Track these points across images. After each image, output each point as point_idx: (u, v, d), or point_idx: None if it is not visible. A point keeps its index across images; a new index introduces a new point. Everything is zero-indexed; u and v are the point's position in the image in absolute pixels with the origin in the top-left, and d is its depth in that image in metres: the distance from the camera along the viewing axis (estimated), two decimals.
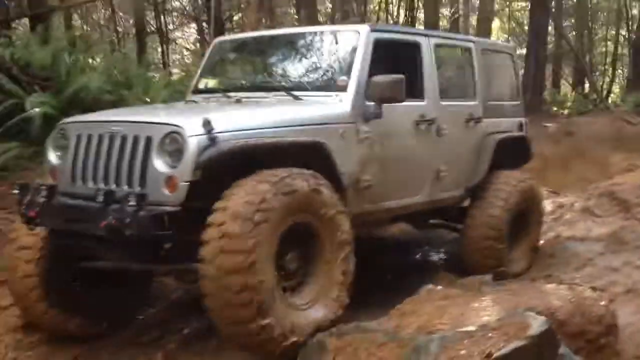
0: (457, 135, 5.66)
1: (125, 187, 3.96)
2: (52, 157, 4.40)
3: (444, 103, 5.52)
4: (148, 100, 9.21)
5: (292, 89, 4.89)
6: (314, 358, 3.70)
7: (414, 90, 5.23)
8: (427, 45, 5.39)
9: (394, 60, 5.30)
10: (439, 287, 4.25)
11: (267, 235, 3.68)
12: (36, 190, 4.13)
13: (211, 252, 3.61)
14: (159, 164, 3.87)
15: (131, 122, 4.10)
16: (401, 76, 4.65)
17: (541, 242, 6.54)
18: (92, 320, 4.58)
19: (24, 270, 4.36)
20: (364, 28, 4.96)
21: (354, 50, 4.85)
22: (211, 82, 5.41)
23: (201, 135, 3.81)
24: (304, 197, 3.91)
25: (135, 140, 3.98)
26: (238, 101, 4.56)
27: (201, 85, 5.47)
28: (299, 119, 4.37)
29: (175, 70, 17.59)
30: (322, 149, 4.28)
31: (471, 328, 3.34)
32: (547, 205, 7.40)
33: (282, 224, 3.81)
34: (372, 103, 4.71)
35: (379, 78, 4.63)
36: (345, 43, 5.00)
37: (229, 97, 5.06)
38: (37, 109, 7.96)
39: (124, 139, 4.03)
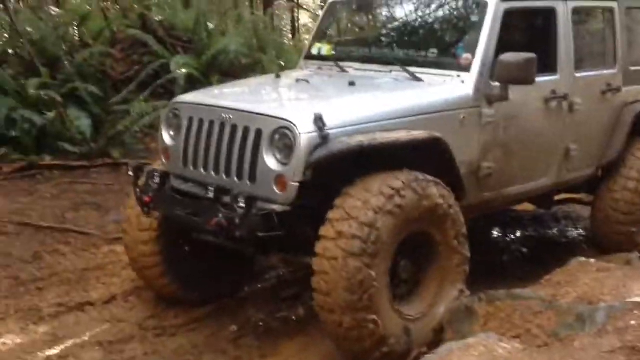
0: (592, 109, 5.14)
1: (236, 180, 3.85)
2: (166, 136, 4.33)
3: (579, 75, 5.01)
4: (282, 64, 9.46)
5: (409, 63, 4.54)
6: (463, 323, 3.65)
7: (546, 63, 4.75)
8: (564, 11, 4.84)
9: (525, 30, 4.83)
10: (592, 260, 4.06)
11: (386, 243, 3.52)
12: (150, 175, 4.11)
13: (329, 251, 3.50)
14: (269, 160, 3.71)
15: (241, 111, 3.94)
16: (533, 55, 4.20)
17: None
18: (208, 291, 4.60)
19: (143, 251, 4.40)
20: None
21: (481, 23, 4.40)
22: (325, 48, 5.12)
23: (313, 133, 3.61)
24: (427, 208, 3.72)
25: (246, 131, 3.83)
26: (352, 84, 4.28)
27: (314, 51, 5.19)
28: (417, 107, 4.05)
29: (305, 36, 17.32)
30: (440, 144, 3.97)
31: None
32: None
33: (402, 233, 3.64)
34: (498, 84, 4.31)
35: (508, 57, 4.19)
36: (471, 13, 4.56)
37: (341, 69, 4.79)
38: (181, 70, 8.34)
39: (234, 128, 3.89)
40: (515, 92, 4.38)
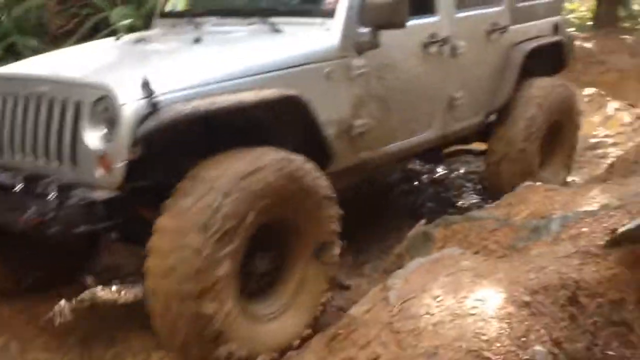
0: (477, 52, 4.71)
1: (56, 164, 3.21)
2: None
3: (460, 15, 4.55)
4: None
5: (270, 13, 3.95)
6: (421, 247, 3.64)
7: (423, 3, 4.25)
8: None
9: None
10: (538, 183, 4.07)
11: (229, 245, 2.91)
12: None
13: (157, 269, 2.89)
14: (90, 138, 3.06)
15: (57, 81, 3.26)
16: None
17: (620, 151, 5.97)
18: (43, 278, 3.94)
19: None
20: None
21: None
22: (180, 3, 4.46)
23: (138, 100, 2.98)
24: (279, 190, 3.10)
25: (64, 104, 3.16)
26: (197, 40, 3.64)
27: (169, 7, 4.52)
28: (271, 63, 3.45)
29: None
30: (297, 103, 3.41)
31: (593, 208, 3.29)
32: (626, 116, 7.39)
33: (250, 227, 3.02)
34: (367, 29, 3.77)
35: None
36: None
37: (195, 25, 4.14)
38: (123, 22, 7.60)
39: (51, 102, 3.21)
40: (389, 38, 3.86)
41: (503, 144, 4.95)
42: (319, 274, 3.38)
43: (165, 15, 4.50)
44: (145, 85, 2.98)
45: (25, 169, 3.31)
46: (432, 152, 4.93)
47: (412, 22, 3.93)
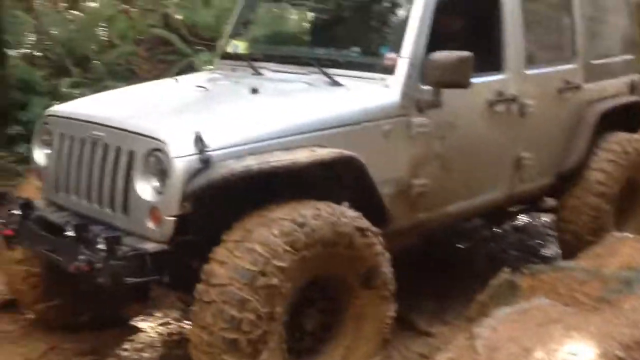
0: (547, 111, 4.52)
1: (108, 210, 3.22)
2: (38, 155, 3.68)
3: (530, 72, 4.38)
4: None
5: (330, 64, 3.89)
6: (506, 296, 3.59)
7: (490, 61, 4.12)
8: None
9: (463, 23, 4.19)
10: (626, 234, 4.06)
11: (275, 299, 2.87)
12: (12, 204, 3.46)
13: (201, 320, 2.87)
14: (142, 189, 3.07)
15: (112, 127, 3.29)
16: (468, 54, 3.57)
17: None
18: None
19: (19, 272, 3.81)
20: None
21: (408, 15, 3.76)
22: (241, 46, 4.47)
23: (190, 155, 2.96)
24: (330, 248, 3.04)
25: (118, 152, 3.19)
26: (254, 91, 3.63)
27: (230, 49, 4.53)
28: (328, 119, 3.40)
29: None
30: (353, 163, 3.33)
31: None
32: None
33: (298, 282, 2.98)
34: (429, 87, 3.68)
35: (438, 56, 3.56)
36: (398, 4, 3.92)
37: (255, 70, 4.13)
38: (206, 67, 7.97)
39: (106, 148, 3.25)
40: (452, 96, 3.75)
41: (574, 201, 4.71)
42: (375, 302, 3.29)
43: (226, 57, 4.51)
44: (198, 140, 2.96)
45: (78, 211, 3.35)
46: (498, 213, 4.74)
47: (477, 80, 3.82)
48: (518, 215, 5.36)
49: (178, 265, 3.11)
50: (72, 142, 3.42)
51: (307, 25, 4.51)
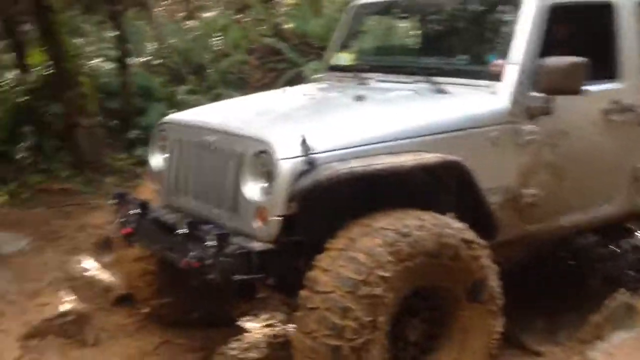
0: None
1: (217, 211, 3.33)
2: (154, 160, 3.88)
3: None
4: None
5: (436, 72, 3.88)
6: (623, 320, 3.52)
7: (604, 68, 3.95)
8: (626, 5, 4.02)
9: (577, 30, 4.05)
10: None
11: (378, 308, 2.88)
12: (131, 205, 3.65)
13: (304, 325, 2.92)
14: (249, 189, 3.17)
15: (224, 132, 3.41)
16: (581, 59, 3.46)
17: None
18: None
19: (136, 270, 4.01)
20: None
21: (517, 21, 3.68)
22: (346, 58, 4.53)
23: (296, 157, 3.03)
24: (434, 259, 3.02)
25: (228, 155, 3.30)
26: (360, 98, 3.67)
27: (336, 61, 4.60)
28: (434, 125, 3.38)
29: None
30: (459, 169, 3.28)
31: None
32: None
33: (401, 292, 2.98)
34: (540, 94, 3.58)
35: (549, 62, 3.47)
36: (507, 11, 3.83)
37: (361, 80, 4.18)
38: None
39: (217, 151, 3.37)
40: (565, 104, 3.64)
41: None
42: (482, 316, 3.22)
43: (332, 68, 4.58)
44: (304, 143, 3.02)
45: (190, 212, 3.49)
46: (614, 228, 4.53)
47: (591, 88, 3.70)
48: (637, 232, 5.08)
49: (283, 266, 3.18)
50: (186, 147, 3.58)
51: (412, 35, 4.50)
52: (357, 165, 3.00)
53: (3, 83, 7.81)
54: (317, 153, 3.04)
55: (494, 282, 3.20)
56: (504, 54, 3.66)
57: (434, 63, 4.03)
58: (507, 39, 3.70)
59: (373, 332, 2.87)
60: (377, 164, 3.03)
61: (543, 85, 3.52)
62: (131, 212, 3.60)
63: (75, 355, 3.86)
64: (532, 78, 3.57)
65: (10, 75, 7.93)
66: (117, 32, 7.99)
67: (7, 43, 8.24)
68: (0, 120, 7.21)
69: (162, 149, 3.81)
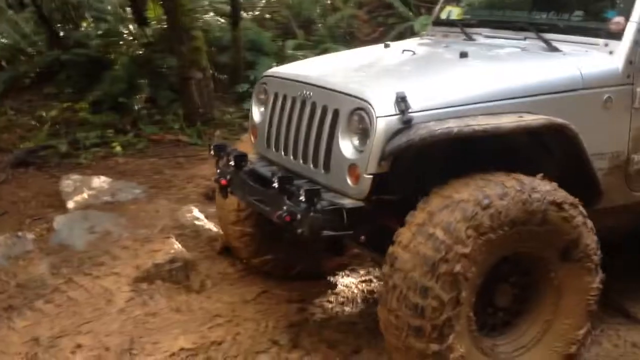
0: None
1: (311, 167, 3.35)
2: (255, 113, 3.91)
3: None
4: None
5: (548, 29, 3.68)
6: None
7: None
8: None
9: None
10: None
11: (460, 285, 2.80)
12: (228, 156, 3.73)
13: (386, 301, 2.89)
14: (345, 147, 3.14)
15: (321, 87, 3.38)
16: None
17: None
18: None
19: (235, 232, 4.13)
20: None
21: None
22: (454, 11, 4.37)
23: (392, 115, 2.97)
24: (521, 227, 2.89)
25: (324, 110, 3.29)
26: (463, 55, 3.54)
27: (444, 15, 4.46)
28: (539, 85, 3.21)
29: None
30: (565, 132, 3.12)
31: None
32: None
33: (485, 265, 2.89)
34: None
35: None
36: None
37: (468, 36, 4.04)
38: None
39: (314, 106, 3.36)
40: None
41: None
42: (577, 275, 3.09)
43: (439, 23, 4.45)
44: (401, 100, 2.97)
45: (286, 166, 3.53)
46: None
47: None
48: None
49: (374, 225, 3.17)
50: (284, 101, 3.59)
51: None
52: (453, 125, 2.92)
53: (123, 36, 8.08)
54: (414, 112, 2.97)
55: (590, 240, 3.06)
56: (626, 11, 3.42)
57: (546, 19, 3.82)
58: None
59: (456, 308, 2.80)
60: (474, 125, 2.92)
61: None
62: (228, 163, 3.67)
63: (181, 300, 4.01)
64: None
65: (130, 28, 8.19)
66: None
67: None
68: (119, 73, 7.47)
69: (263, 103, 3.84)
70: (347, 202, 3.07)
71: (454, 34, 4.22)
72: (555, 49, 3.53)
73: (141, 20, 8.23)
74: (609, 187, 3.40)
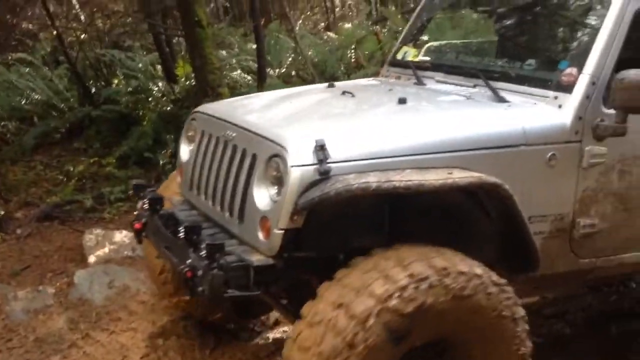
0: None
1: (227, 215, 3.06)
2: (182, 150, 3.63)
3: None
4: None
5: (498, 77, 3.42)
6: None
7: None
8: None
9: None
10: None
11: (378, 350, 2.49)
12: (143, 198, 3.42)
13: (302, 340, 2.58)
14: (258, 196, 2.84)
15: (242, 128, 3.11)
16: None
17: None
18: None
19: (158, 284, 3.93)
20: None
21: (598, 26, 3.18)
22: (410, 53, 4.12)
23: (309, 165, 2.69)
24: (445, 311, 2.58)
25: (244, 154, 3.01)
26: (402, 101, 3.26)
27: (400, 56, 4.20)
28: (477, 138, 2.93)
29: None
30: (497, 192, 2.85)
31: None
32: None
33: (400, 351, 2.59)
34: (613, 112, 3.07)
35: (629, 75, 2.93)
36: (587, 14, 3.34)
37: (419, 80, 3.77)
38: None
39: (234, 149, 3.08)
40: None
41: None
42: (502, 353, 2.78)
43: (394, 64, 4.19)
44: (319, 149, 2.69)
45: (205, 212, 3.25)
46: None
47: None
48: None
49: (287, 283, 2.89)
50: (209, 141, 3.31)
51: (481, 33, 4.03)
52: (373, 180, 2.63)
53: (152, 93, 8.25)
54: (333, 162, 2.69)
55: (521, 328, 2.76)
56: (578, 62, 3.17)
57: (499, 66, 3.57)
58: (585, 45, 3.21)
59: None
60: (396, 181, 2.63)
61: (618, 102, 3.00)
62: (144, 206, 3.38)
63: (195, 357, 3.88)
64: (606, 93, 3.08)
65: (160, 85, 8.40)
66: (257, 44, 8.16)
67: (158, 56, 8.73)
68: (146, 128, 7.51)
69: (191, 141, 3.56)
70: (256, 259, 2.77)
71: (407, 76, 3.96)
72: (502, 100, 3.26)
73: (170, 77, 8.42)
74: (551, 252, 3.13)
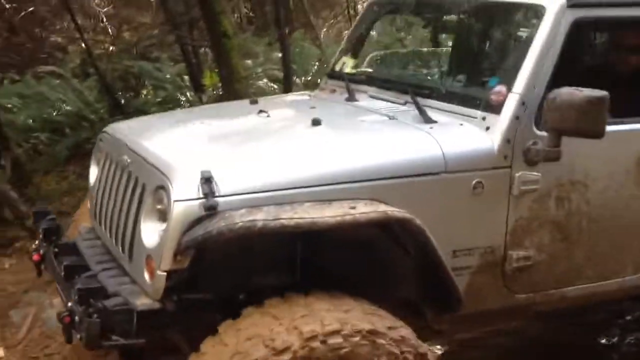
0: None
1: (120, 251, 2.78)
2: (91, 173, 3.36)
3: None
4: None
5: (428, 94, 3.14)
6: None
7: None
8: None
9: (605, 57, 3.20)
10: None
11: None
12: (39, 228, 3.15)
13: None
14: (145, 232, 2.55)
15: (135, 152, 2.82)
16: (601, 94, 2.62)
17: None
18: None
19: None
20: (554, 1, 2.90)
21: (529, 39, 2.90)
22: (349, 64, 3.83)
23: (193, 200, 2.41)
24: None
25: (136, 183, 2.73)
26: (316, 123, 2.97)
27: (338, 67, 3.89)
28: (387, 165, 2.64)
29: None
30: (407, 227, 2.56)
31: None
32: None
33: None
34: (546, 134, 2.79)
35: (562, 94, 2.64)
36: (520, 26, 3.05)
37: (351, 95, 3.46)
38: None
39: (129, 176, 2.80)
40: (582, 148, 2.85)
41: None
42: None
43: (332, 76, 3.89)
44: (205, 181, 2.41)
45: (105, 245, 2.98)
46: None
47: (624, 127, 2.90)
48: None
49: (179, 326, 2.61)
50: (110, 164, 3.04)
51: (416, 47, 3.75)
52: (259, 218, 2.35)
53: (180, 103, 8.35)
54: (221, 196, 2.42)
55: None
56: (508, 80, 2.89)
57: (431, 82, 3.29)
58: (515, 60, 2.92)
59: None
60: (285, 219, 2.34)
61: (551, 123, 2.71)
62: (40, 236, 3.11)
63: None
64: (538, 113, 2.80)
65: (187, 95, 8.50)
66: (282, 53, 8.12)
67: (185, 66, 8.83)
68: None
69: (99, 163, 3.28)
70: (140, 303, 2.49)
71: (343, 89, 3.66)
72: (429, 120, 2.97)
73: (198, 87, 8.49)
74: (482, 288, 2.85)
